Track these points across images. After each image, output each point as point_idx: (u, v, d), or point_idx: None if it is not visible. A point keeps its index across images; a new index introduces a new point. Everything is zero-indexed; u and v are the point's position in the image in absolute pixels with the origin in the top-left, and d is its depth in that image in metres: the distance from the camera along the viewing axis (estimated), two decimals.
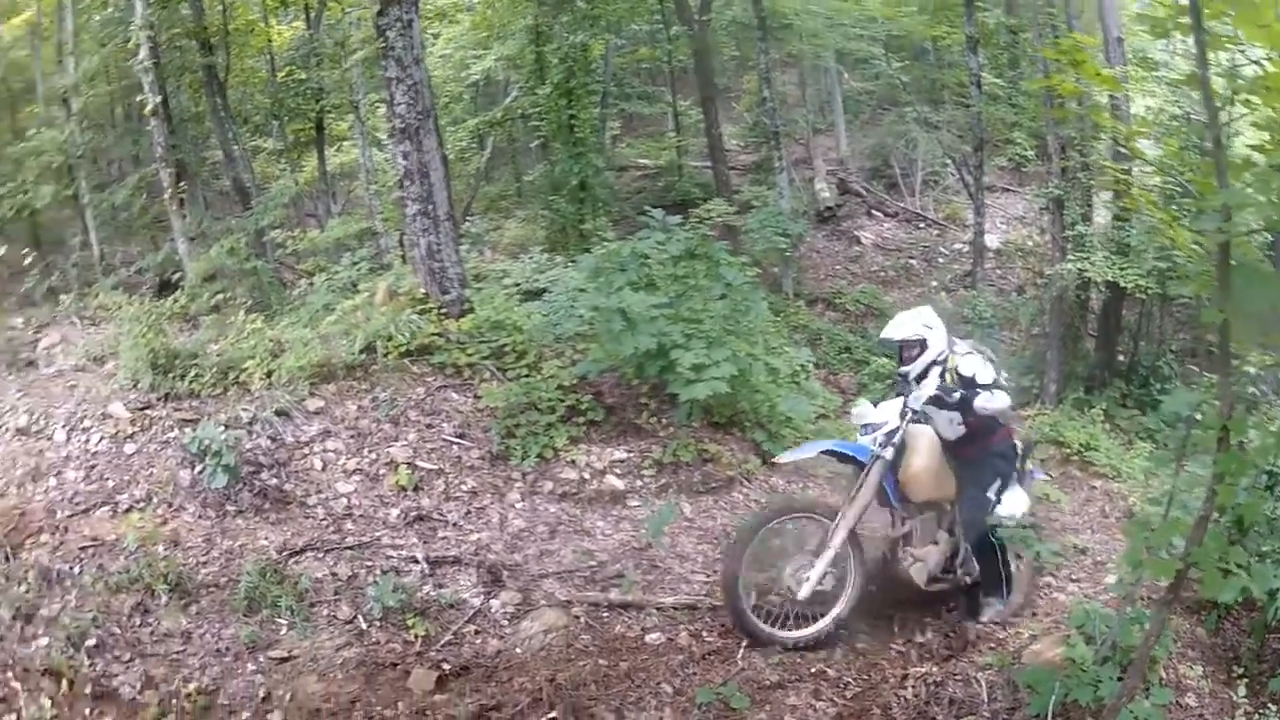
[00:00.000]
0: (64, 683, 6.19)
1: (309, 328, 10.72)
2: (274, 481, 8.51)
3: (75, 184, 15.05)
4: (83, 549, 7.55)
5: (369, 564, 7.72)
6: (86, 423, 8.98)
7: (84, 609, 6.88)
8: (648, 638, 7.05)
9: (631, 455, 9.56)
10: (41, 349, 11.45)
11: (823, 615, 7.17)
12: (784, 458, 8.43)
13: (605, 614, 7.17)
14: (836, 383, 16.03)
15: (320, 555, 7.75)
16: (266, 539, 7.84)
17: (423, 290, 11.07)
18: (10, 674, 6.22)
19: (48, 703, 5.91)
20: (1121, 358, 17.99)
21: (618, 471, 9.32)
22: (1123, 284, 15.95)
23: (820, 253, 24.31)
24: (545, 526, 8.56)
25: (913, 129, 25.37)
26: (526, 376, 9.94)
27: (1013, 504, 7.46)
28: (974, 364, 7.30)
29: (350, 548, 7.87)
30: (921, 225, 26.13)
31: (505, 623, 7.23)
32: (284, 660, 6.72)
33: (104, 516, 7.98)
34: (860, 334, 19.51)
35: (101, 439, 8.82)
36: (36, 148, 14.64)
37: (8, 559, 7.35)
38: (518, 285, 11.82)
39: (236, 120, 16.78)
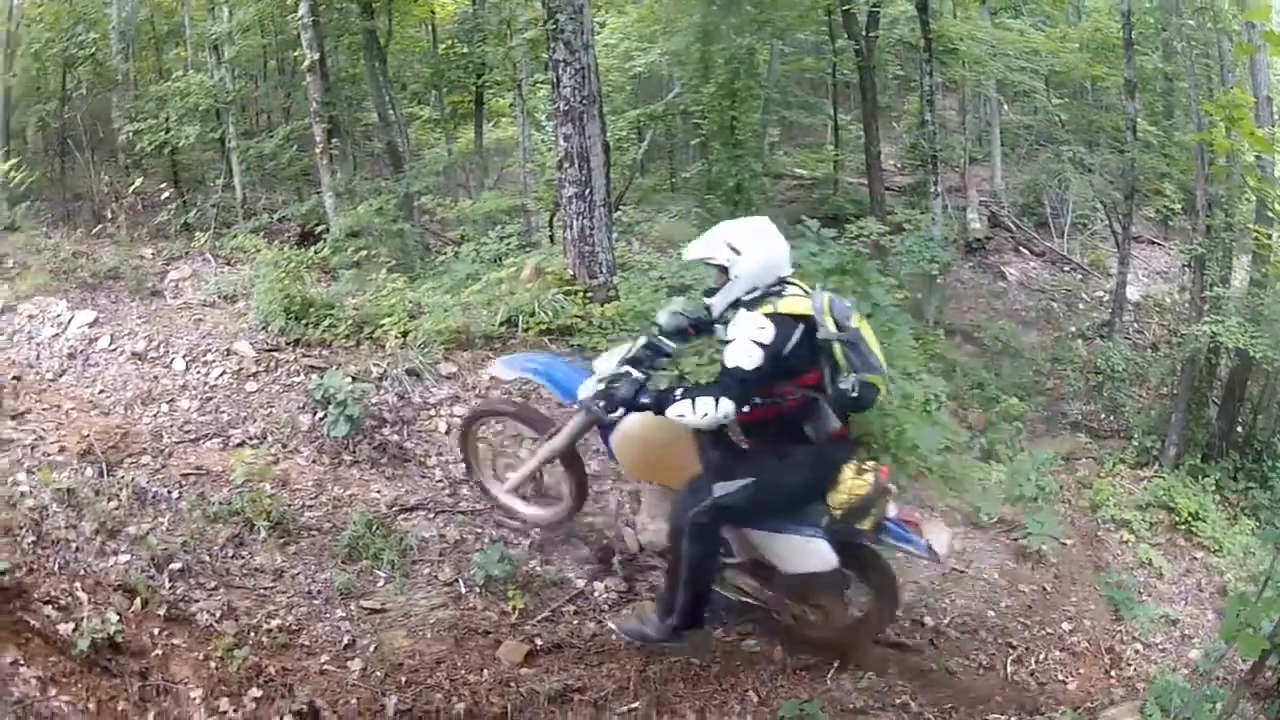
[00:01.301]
0: (137, 600, 6.10)
1: (450, 294, 10.70)
2: (395, 438, 8.36)
3: (222, 128, 15.27)
4: (185, 476, 7.52)
5: (478, 531, 7.51)
6: (209, 356, 9.03)
7: (175, 533, 6.81)
8: (743, 644, 6.80)
9: None
10: (169, 280, 11.42)
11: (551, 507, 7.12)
12: (497, 366, 7.64)
13: (706, 614, 6.57)
14: (965, 418, 15.46)
15: (431, 516, 7.57)
16: (379, 492, 7.72)
17: (571, 272, 10.91)
18: (79, 584, 6.15)
19: (114, 617, 5.77)
20: (1239, 429, 17.12)
21: None
22: (1252, 353, 15.14)
23: (964, 284, 23.70)
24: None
25: (1067, 169, 24.51)
26: (663, 370, 9.45)
27: (800, 560, 6.02)
28: (744, 330, 5.46)
29: (463, 513, 7.66)
30: (1066, 269, 25.30)
31: (606, 608, 6.97)
32: (375, 612, 6.59)
33: (213, 448, 7.97)
34: (994, 371, 18.91)
35: (223, 374, 8.87)
36: (182, 89, 14.84)
37: (102, 474, 7.33)
38: (663, 279, 11.45)
39: (395, 86, 16.63)
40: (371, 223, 13.30)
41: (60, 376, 9.12)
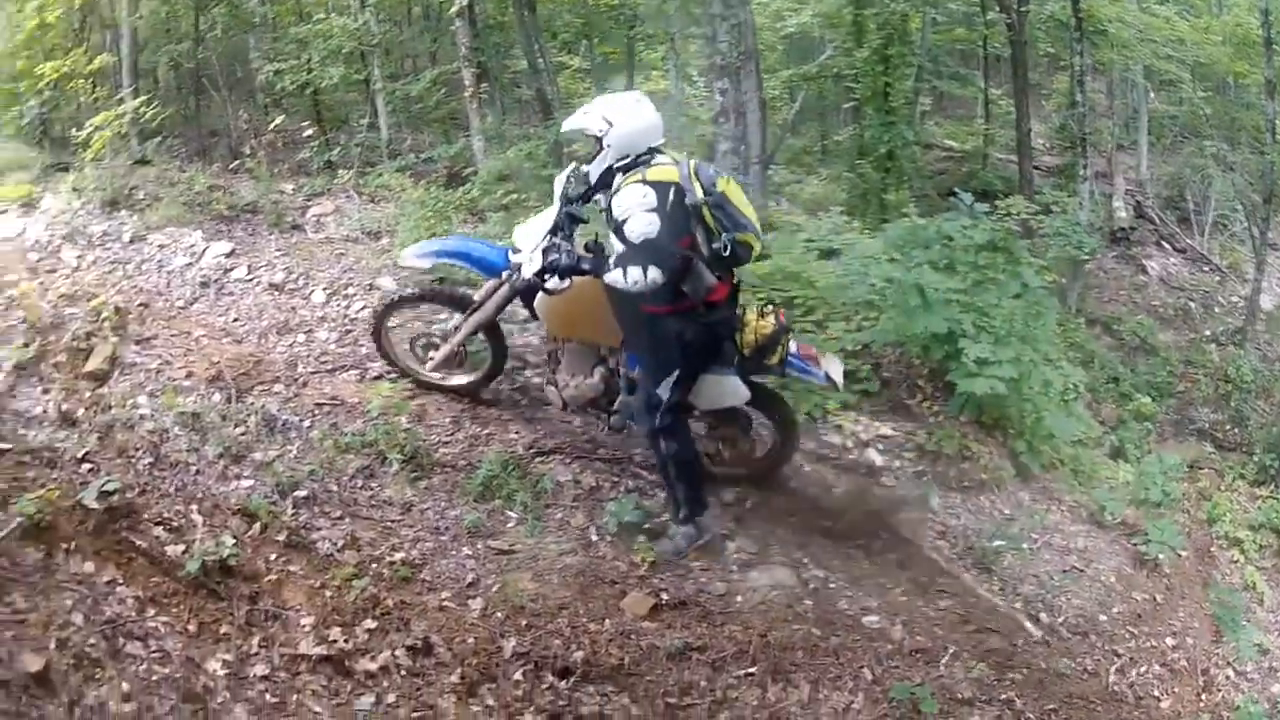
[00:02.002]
0: (256, 525, 6.07)
1: None
2: (537, 380, 8.19)
3: (367, 70, 15.02)
4: (318, 405, 7.51)
5: (615, 479, 7.34)
6: (350, 290, 9.05)
7: (304, 461, 6.80)
8: (864, 619, 6.55)
9: (896, 434, 8.94)
10: (310, 215, 11.37)
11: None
12: (406, 256, 7.56)
13: (831, 585, 6.72)
14: (1099, 412, 14.85)
15: (568, 461, 7.39)
16: (517, 434, 7.57)
17: None
18: (195, 507, 6.12)
19: (230, 540, 5.71)
20: None
21: (880, 447, 8.69)
22: None
23: (1106, 273, 22.75)
24: (797, 484, 7.90)
25: (1209, 165, 23.54)
26: (811, 333, 9.35)
27: (717, 396, 6.62)
28: (630, 202, 5.70)
29: (602, 460, 7.47)
30: (1205, 268, 24.20)
31: (735, 568, 6.75)
32: (503, 552, 6.48)
33: (350, 380, 7.94)
34: (1130, 367, 18.15)
35: (364, 308, 8.86)
36: (325, 31, 14.58)
37: (230, 401, 7.32)
38: (811, 241, 11.09)
39: (545, 35, 16.40)
40: (521, 167, 13.03)
41: (191, 304, 9.11)
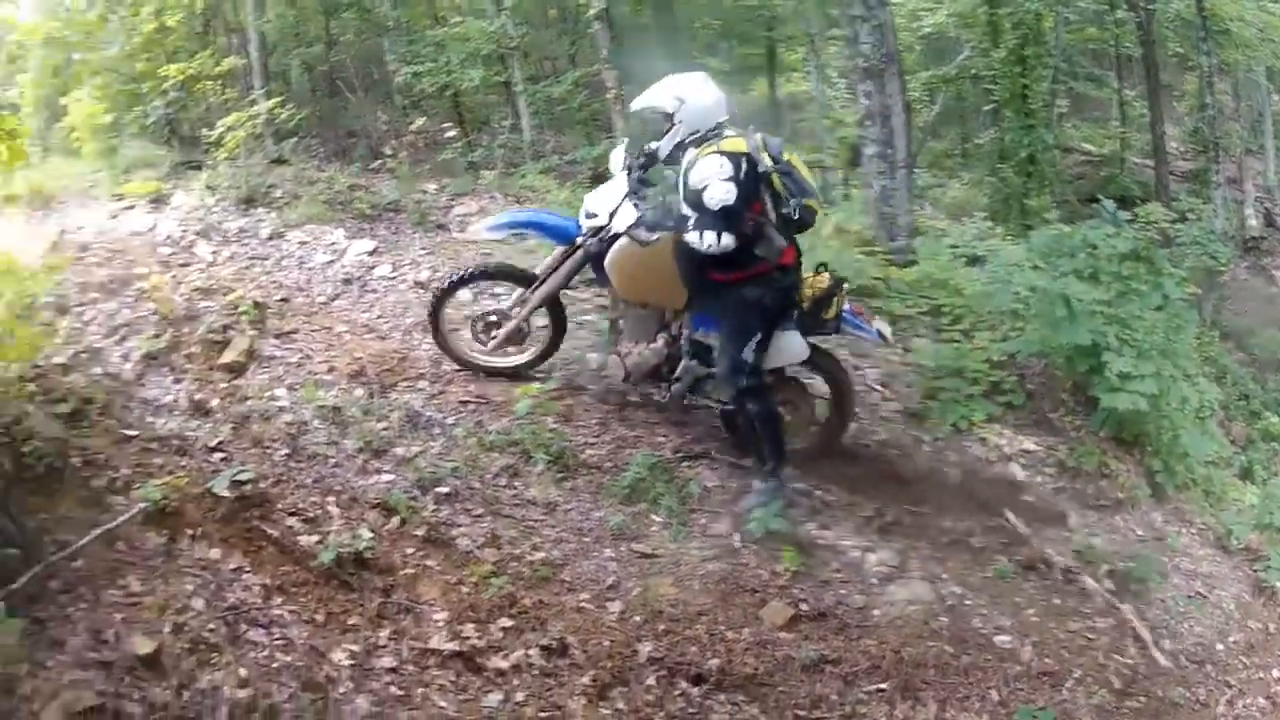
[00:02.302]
0: (395, 519, 6.04)
1: None
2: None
3: (508, 72, 15.03)
4: (463, 403, 7.42)
5: (760, 486, 7.02)
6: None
7: (446, 458, 6.71)
8: (996, 639, 6.35)
9: (1039, 449, 8.59)
10: (454, 215, 11.25)
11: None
12: (479, 229, 8.17)
13: (968, 602, 6.56)
14: (1229, 430, 14.23)
15: (715, 466, 7.22)
16: (664, 437, 7.42)
17: (871, 233, 10.68)
18: (332, 499, 6.12)
19: (367, 533, 5.72)
20: None
21: (1022, 462, 8.34)
22: None
23: (1238, 284, 21.98)
24: (940, 497, 7.65)
25: None
26: (958, 342, 9.27)
27: (782, 353, 6.80)
28: (708, 171, 6.10)
29: (746, 466, 7.18)
30: None
31: (875, 581, 6.58)
32: (645, 556, 6.35)
33: (496, 378, 7.79)
34: (1260, 383, 17.34)
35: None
36: (463, 34, 14.65)
37: (373, 396, 7.27)
38: (955, 248, 10.89)
39: (684, 35, 16.23)
40: (663, 171, 12.77)
41: (333, 301, 9.06)
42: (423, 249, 9.94)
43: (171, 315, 7.96)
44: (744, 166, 6.09)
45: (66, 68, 15.06)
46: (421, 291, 8.94)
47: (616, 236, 6.84)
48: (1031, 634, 6.42)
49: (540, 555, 6.04)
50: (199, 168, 11.92)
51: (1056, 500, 7.95)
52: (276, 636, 4.86)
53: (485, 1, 16.34)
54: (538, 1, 17.42)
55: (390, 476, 6.39)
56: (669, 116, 6.41)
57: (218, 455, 6.30)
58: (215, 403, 6.91)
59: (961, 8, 20.98)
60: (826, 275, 6.79)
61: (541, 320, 7.60)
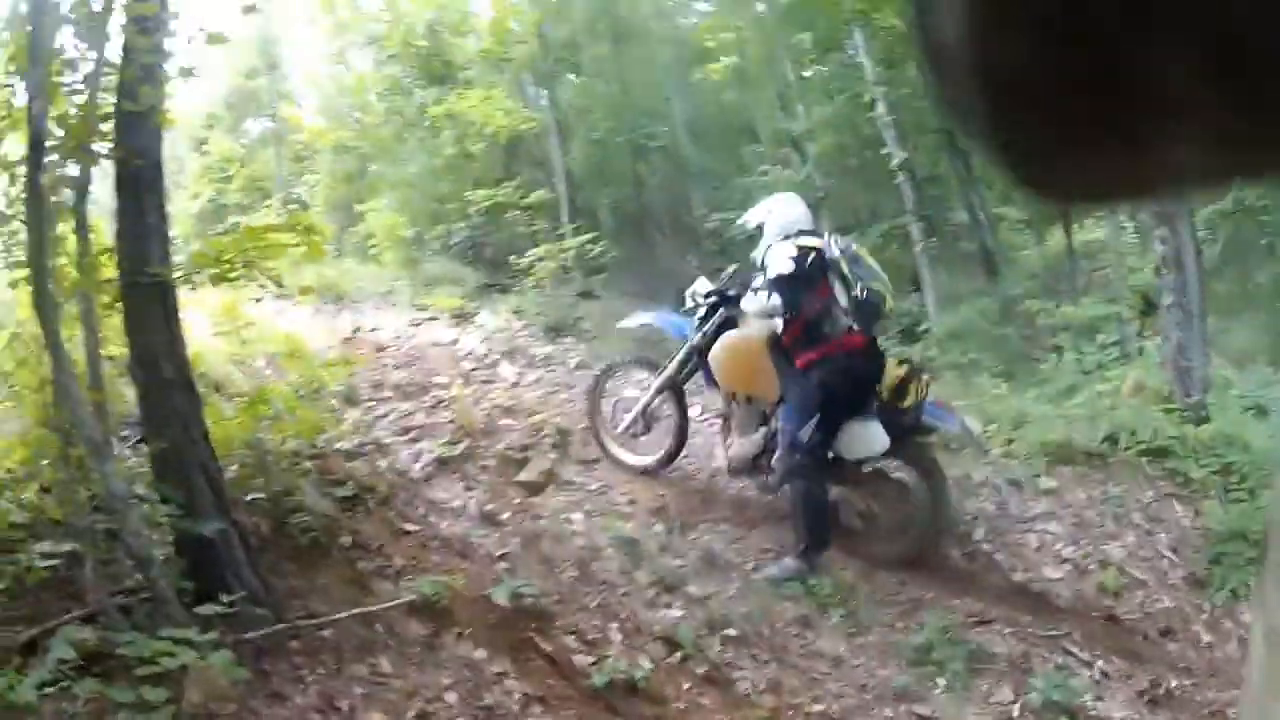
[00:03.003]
0: (677, 654, 5.87)
1: (1052, 405, 10.17)
2: (987, 547, 7.89)
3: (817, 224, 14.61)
4: (763, 550, 7.26)
5: (1045, 655, 6.72)
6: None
7: (740, 602, 6.53)
8: None
9: None
10: None
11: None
12: (622, 323, 8.96)
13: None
14: None
15: (1004, 632, 6.86)
16: (958, 600, 7.15)
17: (1168, 388, 9.96)
18: (615, 625, 6.03)
19: (646, 663, 5.59)
20: None
21: None
22: None
23: None
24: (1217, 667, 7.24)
25: None
26: (1243, 501, 8.75)
27: (859, 442, 6.98)
28: (777, 255, 6.98)
29: (1038, 634, 6.88)
30: None
31: None
32: (923, 719, 5.97)
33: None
34: None
35: None
36: (769, 184, 14.62)
37: (673, 533, 7.19)
38: (1242, 398, 10.15)
39: (982, 184, 15.92)
40: (975, 325, 12.92)
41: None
42: None
43: (470, 427, 8.13)
44: (811, 256, 6.86)
45: (360, 176, 15.85)
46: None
47: (719, 329, 7.50)
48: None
49: (819, 708, 5.76)
50: (504, 290, 12.39)
51: None
52: None
53: (788, 150, 16.41)
54: (839, 151, 17.34)
55: (679, 613, 6.27)
56: (760, 228, 7.26)
57: (501, 565, 6.34)
58: (506, 515, 6.97)
59: None
60: (906, 365, 7.22)
61: (668, 409, 8.02)
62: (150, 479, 5.26)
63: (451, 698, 4.76)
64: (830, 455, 7.01)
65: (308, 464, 6.85)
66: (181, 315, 6.05)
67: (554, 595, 6.06)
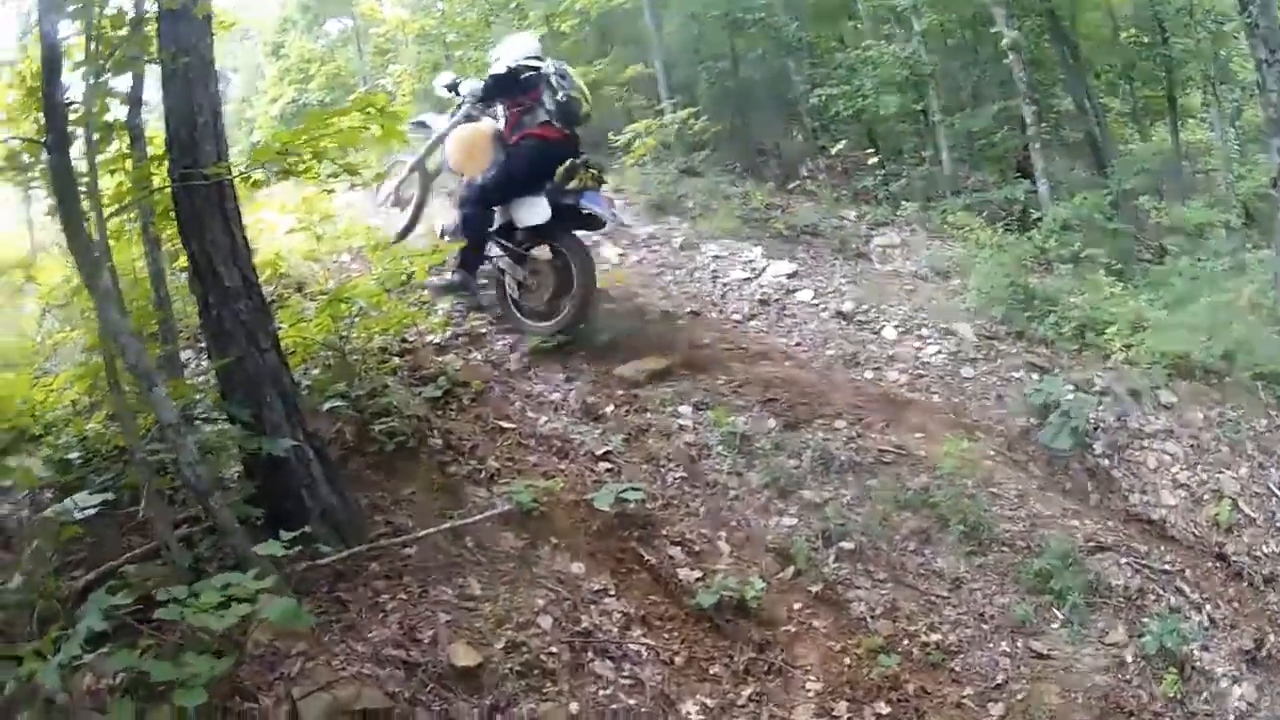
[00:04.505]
0: (789, 569, 5.64)
1: (1168, 311, 9.61)
2: (1105, 463, 7.54)
3: (924, 101, 14.34)
4: (881, 451, 6.87)
5: (1160, 591, 6.41)
6: (924, 331, 8.67)
7: (856, 510, 6.25)
8: None
9: None
10: (875, 245, 10.93)
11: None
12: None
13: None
14: None
15: (1121, 561, 6.48)
16: (1077, 522, 6.73)
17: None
18: (724, 534, 5.81)
19: (758, 581, 5.35)
20: None
21: None
22: None
23: None
24: None
25: None
26: None
27: (525, 212, 7.99)
28: (496, 65, 8.36)
29: (1154, 568, 6.54)
30: None
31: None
32: (1039, 657, 5.71)
33: (916, 428, 7.25)
34: None
35: (938, 352, 8.44)
36: (875, 59, 13.93)
37: (786, 428, 6.85)
38: None
39: (1089, 72, 15.17)
40: (1087, 217, 12.05)
41: (748, 320, 8.78)
42: (844, 278, 9.60)
43: None
44: (526, 71, 8.08)
45: (446, 64, 15.49)
46: (844, 323, 8.70)
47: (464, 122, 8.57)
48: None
49: (936, 637, 5.50)
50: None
51: None
52: (625, 674, 4.60)
53: (893, 26, 15.79)
54: (942, 29, 16.60)
55: (793, 521, 6.00)
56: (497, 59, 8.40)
57: (603, 465, 6.08)
58: (609, 409, 6.70)
59: None
60: (581, 163, 8.07)
61: (413, 190, 9.08)
62: (215, 397, 5.04)
63: (545, 622, 4.54)
64: (503, 223, 8.16)
65: (396, 361, 6.70)
66: (254, 216, 5.82)
67: (660, 499, 5.84)
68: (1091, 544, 6.49)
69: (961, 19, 15.38)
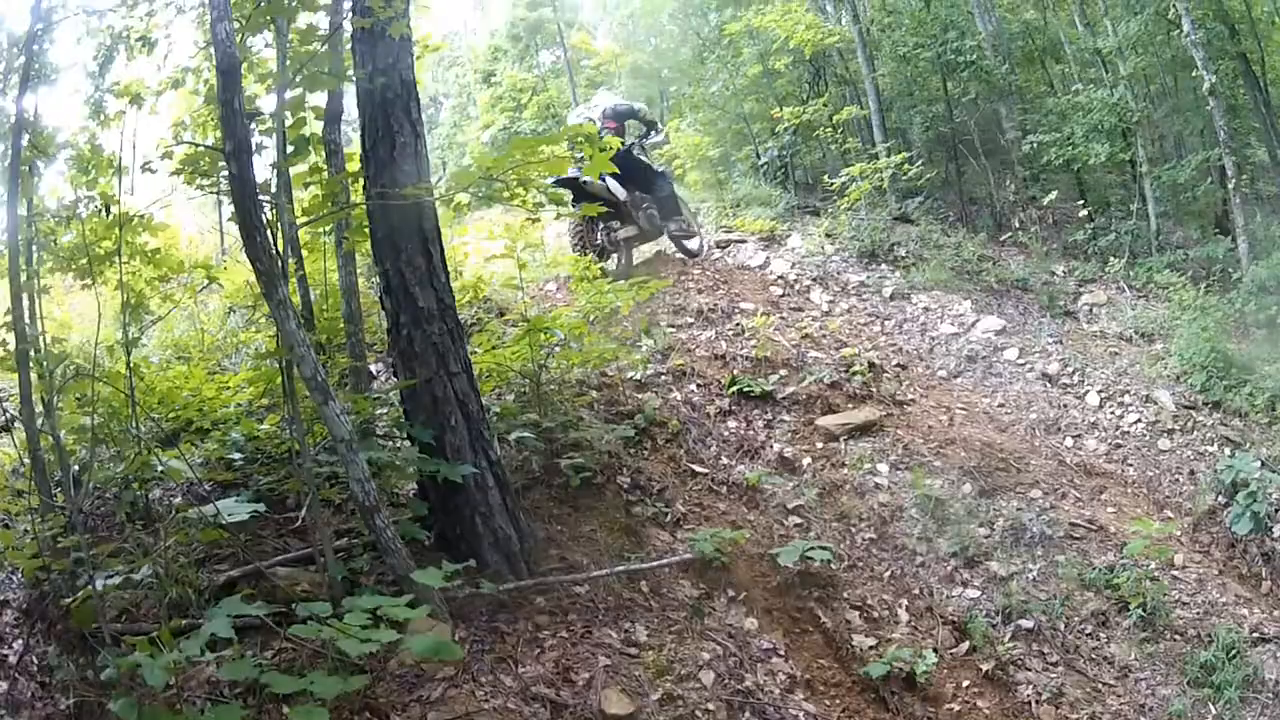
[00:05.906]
0: (964, 645, 5.48)
1: None
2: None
3: (1132, 150, 13.74)
4: (1072, 525, 6.68)
5: None
6: (1125, 398, 8.47)
7: (1040, 587, 6.06)
8: None
9: None
10: (1082, 303, 10.72)
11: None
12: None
13: None
14: None
15: (1277, 655, 6.03)
16: (1247, 611, 6.38)
17: None
18: (904, 601, 5.68)
19: (931, 655, 5.18)
20: None
21: None
22: None
23: None
24: None
25: None
26: None
27: None
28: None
29: None
30: None
31: None
32: None
33: (1109, 501, 7.15)
34: None
35: (1137, 421, 8.22)
36: (1085, 104, 13.54)
37: (981, 494, 6.75)
38: None
39: None
40: None
41: (954, 378, 8.71)
42: (1051, 337, 9.42)
43: (775, 358, 7.85)
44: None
45: (661, 100, 15.61)
46: (1048, 385, 8.50)
47: None
48: None
49: None
50: (816, 213, 12.09)
51: None
52: None
53: (1098, 70, 15.22)
54: (1144, 71, 15.93)
55: (975, 594, 5.86)
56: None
57: (793, 520, 6.03)
58: (806, 461, 6.66)
59: None
60: None
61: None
62: (398, 415, 5.13)
63: (707, 677, 4.41)
64: None
65: (593, 394, 6.70)
66: (460, 239, 5.86)
67: (845, 560, 5.75)
68: (1255, 635, 6.14)
69: (1161, 61, 14.76)
